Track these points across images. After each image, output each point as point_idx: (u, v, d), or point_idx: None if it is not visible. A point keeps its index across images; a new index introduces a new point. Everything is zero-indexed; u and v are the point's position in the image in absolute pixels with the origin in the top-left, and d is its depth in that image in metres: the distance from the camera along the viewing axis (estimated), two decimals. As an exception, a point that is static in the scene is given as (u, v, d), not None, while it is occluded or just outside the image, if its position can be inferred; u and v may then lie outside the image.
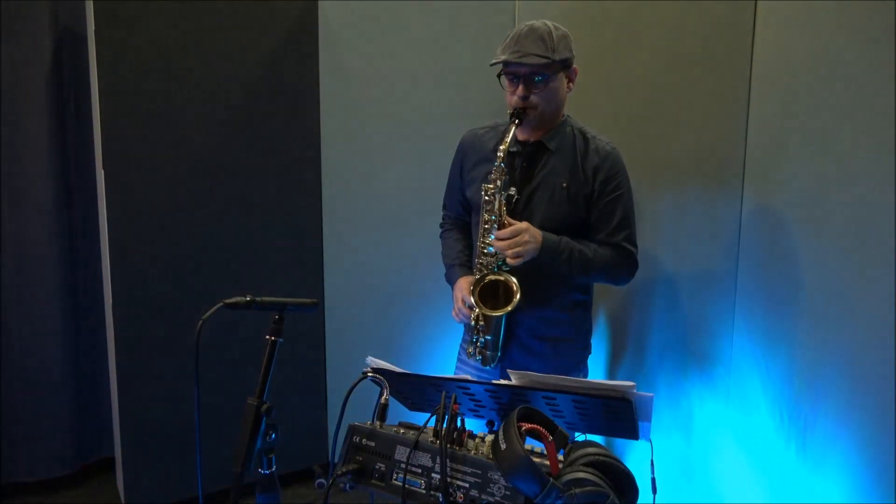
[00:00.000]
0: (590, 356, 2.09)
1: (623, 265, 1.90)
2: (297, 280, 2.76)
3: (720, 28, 2.14)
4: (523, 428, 1.12)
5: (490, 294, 1.86)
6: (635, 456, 2.28)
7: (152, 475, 2.60)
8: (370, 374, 1.38)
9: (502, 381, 1.39)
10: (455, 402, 1.24)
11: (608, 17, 2.44)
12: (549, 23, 1.85)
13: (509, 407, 1.37)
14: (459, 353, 2.12)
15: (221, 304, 1.31)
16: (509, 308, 1.81)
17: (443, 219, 2.22)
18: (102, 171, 2.44)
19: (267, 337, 1.33)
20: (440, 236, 2.20)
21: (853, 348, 1.70)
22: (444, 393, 1.24)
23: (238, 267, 2.65)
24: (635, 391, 1.25)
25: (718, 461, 2.26)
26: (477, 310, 1.87)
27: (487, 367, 1.95)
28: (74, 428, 2.89)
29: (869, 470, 1.64)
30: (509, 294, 1.83)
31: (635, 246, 1.92)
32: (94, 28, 2.35)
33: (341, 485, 1.28)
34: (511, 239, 1.78)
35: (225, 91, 2.56)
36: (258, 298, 1.34)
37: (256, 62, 2.59)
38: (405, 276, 2.82)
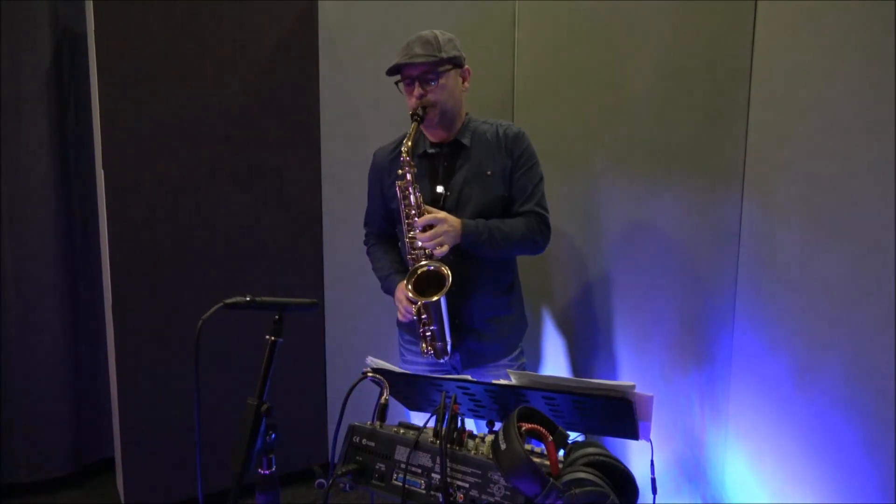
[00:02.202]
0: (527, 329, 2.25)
1: (538, 229, 2.04)
2: (297, 280, 2.76)
3: (720, 29, 2.14)
4: (523, 428, 1.12)
5: (426, 286, 1.94)
6: (635, 456, 2.28)
7: (152, 475, 2.60)
8: (370, 374, 1.38)
9: (502, 381, 1.39)
10: (455, 402, 1.24)
11: (607, 18, 2.44)
12: (436, 31, 2.01)
13: (509, 407, 1.37)
14: (403, 354, 2.20)
15: (221, 304, 1.31)
16: (443, 292, 1.90)
17: (366, 236, 2.29)
18: (102, 171, 2.44)
19: (267, 337, 1.33)
20: (367, 253, 2.26)
21: (853, 348, 1.70)
22: (444, 393, 1.24)
23: (238, 267, 2.65)
24: (635, 391, 1.25)
25: (718, 461, 2.26)
26: (417, 304, 1.93)
27: (442, 361, 2.02)
28: (74, 428, 2.89)
29: (869, 470, 1.64)
30: (441, 280, 1.91)
31: (547, 210, 2.08)
32: (94, 28, 2.35)
33: (341, 485, 1.28)
34: (431, 230, 1.90)
35: (225, 91, 2.56)
36: (258, 298, 1.34)
37: (256, 62, 2.60)
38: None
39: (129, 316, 2.50)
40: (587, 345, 2.68)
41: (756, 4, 2.03)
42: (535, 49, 2.73)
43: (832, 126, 1.77)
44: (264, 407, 1.27)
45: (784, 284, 1.96)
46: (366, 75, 2.76)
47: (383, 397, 1.32)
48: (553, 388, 1.31)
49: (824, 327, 1.80)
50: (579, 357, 2.72)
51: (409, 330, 2.10)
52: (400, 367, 2.14)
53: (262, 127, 2.64)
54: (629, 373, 2.51)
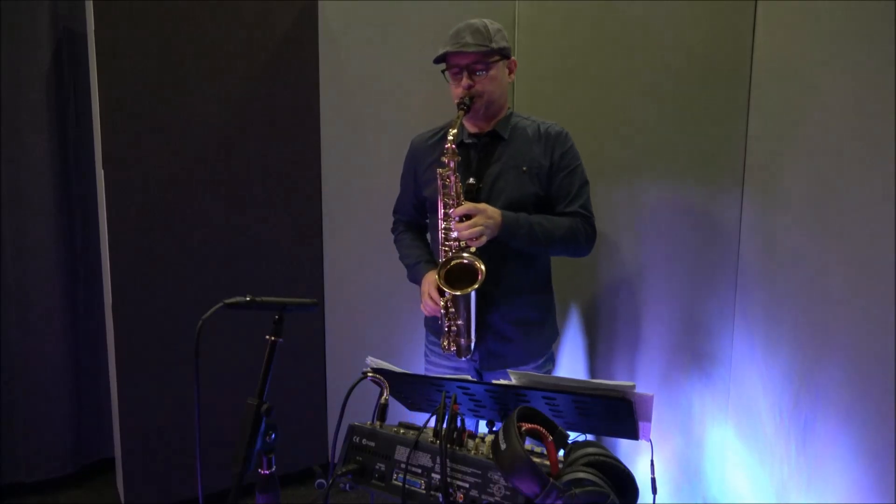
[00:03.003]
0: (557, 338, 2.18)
1: (582, 230, 1.97)
2: (297, 280, 2.76)
3: (720, 29, 2.14)
4: (523, 428, 1.12)
5: (456, 278, 1.89)
6: (635, 456, 2.28)
7: (152, 475, 2.60)
8: (370, 375, 1.38)
9: (502, 381, 1.39)
10: (455, 402, 1.24)
11: (608, 19, 2.44)
12: (484, 19, 1.95)
13: (509, 407, 1.37)
14: (427, 355, 2.15)
15: (221, 304, 1.31)
16: (476, 285, 1.84)
17: (394, 224, 2.26)
18: (102, 171, 2.44)
19: (267, 337, 1.33)
20: (395, 241, 2.23)
21: (853, 348, 1.70)
22: (444, 393, 1.24)
23: (238, 267, 2.65)
24: (635, 391, 1.25)
25: (718, 461, 2.26)
26: (446, 296, 1.89)
27: (464, 360, 1.98)
28: (74, 428, 2.89)
29: (869, 470, 1.64)
30: (474, 275, 1.86)
31: (592, 213, 2.00)
32: (94, 28, 2.35)
33: (341, 485, 1.28)
34: (469, 220, 1.83)
35: (225, 91, 2.56)
36: (258, 298, 1.34)
37: (256, 62, 2.59)
38: (405, 275, 2.82)
39: (129, 316, 2.50)
40: (587, 345, 2.68)
41: (756, 4, 2.04)
42: (535, 49, 2.73)
43: (832, 125, 1.77)
44: (264, 407, 1.27)
45: (784, 284, 1.96)
46: (366, 75, 2.75)
47: (383, 397, 1.32)
48: (553, 388, 1.31)
49: (824, 327, 1.80)
50: (578, 357, 2.72)
51: (436, 331, 2.05)
52: (424, 369, 2.14)
53: (262, 127, 2.64)
54: (628, 372, 2.51)
